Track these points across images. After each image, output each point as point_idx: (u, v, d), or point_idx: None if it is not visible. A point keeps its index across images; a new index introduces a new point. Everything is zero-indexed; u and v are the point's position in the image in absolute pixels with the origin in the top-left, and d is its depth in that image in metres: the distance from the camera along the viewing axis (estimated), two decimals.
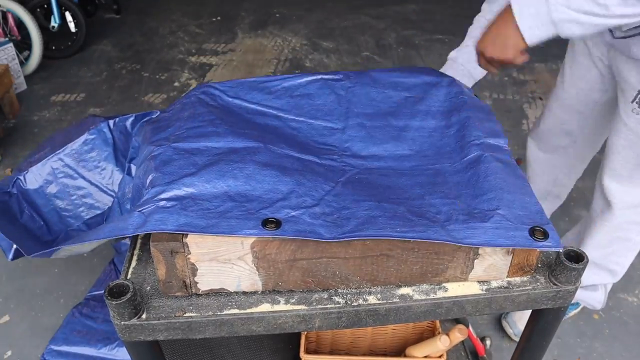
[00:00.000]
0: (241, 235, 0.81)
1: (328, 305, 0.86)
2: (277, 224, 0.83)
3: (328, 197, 0.90)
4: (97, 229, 0.94)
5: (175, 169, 0.93)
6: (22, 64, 3.71)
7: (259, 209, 0.86)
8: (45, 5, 4.05)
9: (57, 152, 1.27)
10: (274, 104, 1.17)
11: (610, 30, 1.35)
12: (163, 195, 0.87)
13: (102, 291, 1.77)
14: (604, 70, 1.52)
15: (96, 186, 1.30)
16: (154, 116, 1.28)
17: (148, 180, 0.92)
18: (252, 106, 1.16)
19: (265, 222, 0.83)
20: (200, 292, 0.87)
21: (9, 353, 1.94)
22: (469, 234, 0.84)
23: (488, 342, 1.93)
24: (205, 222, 0.82)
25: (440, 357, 1.46)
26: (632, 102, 1.36)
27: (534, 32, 1.06)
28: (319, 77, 1.22)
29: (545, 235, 0.84)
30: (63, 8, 4.01)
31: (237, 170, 0.92)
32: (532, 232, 0.85)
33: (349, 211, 0.87)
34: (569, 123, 1.71)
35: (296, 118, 1.14)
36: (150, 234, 0.82)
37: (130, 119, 1.31)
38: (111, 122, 1.31)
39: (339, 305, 0.87)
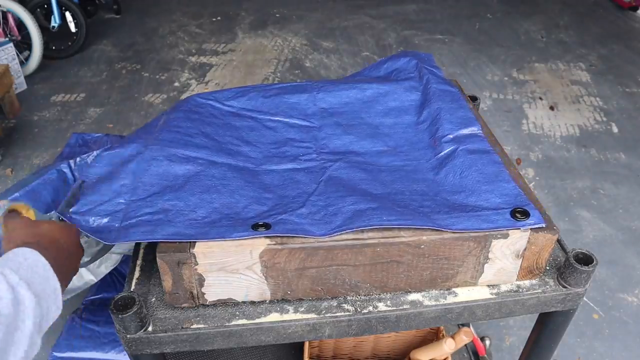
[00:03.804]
0: (232, 238, 0.80)
1: (338, 314, 0.86)
2: (267, 226, 0.83)
3: (312, 198, 0.91)
4: None
5: (156, 178, 0.93)
6: (22, 64, 3.70)
7: (247, 218, 0.86)
8: (46, 6, 4.04)
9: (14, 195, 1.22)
10: (247, 106, 1.17)
11: None
12: (147, 210, 0.87)
13: (100, 295, 1.76)
14: None
15: None
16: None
17: (128, 187, 0.92)
18: (226, 108, 1.16)
19: (255, 227, 0.83)
20: (207, 303, 0.86)
21: None
22: (454, 221, 0.84)
23: (487, 342, 1.93)
24: (194, 231, 0.82)
25: (445, 359, 1.46)
26: None
27: None
28: (290, 83, 1.25)
29: (527, 214, 0.85)
30: (63, 8, 4.00)
31: (221, 186, 0.92)
32: (514, 214, 0.85)
33: (335, 207, 0.87)
34: None
35: (272, 118, 1.14)
36: (155, 244, 0.81)
37: (93, 155, 1.28)
38: (72, 162, 1.28)
39: (349, 313, 0.86)
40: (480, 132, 1.05)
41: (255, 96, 1.19)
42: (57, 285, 0.72)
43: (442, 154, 1.02)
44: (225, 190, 0.92)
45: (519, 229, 0.84)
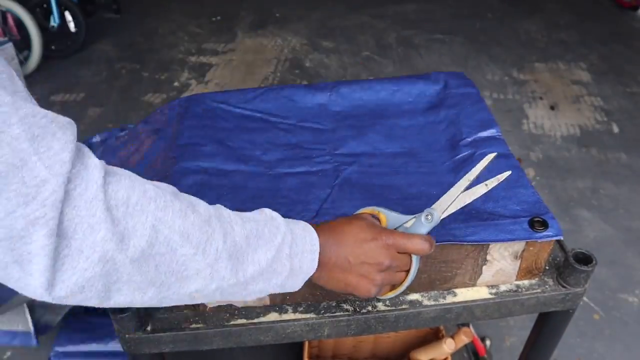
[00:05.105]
0: None
1: (337, 313, 0.85)
2: None
3: (326, 205, 0.90)
4: None
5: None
6: (21, 63, 3.69)
7: None
8: (45, 5, 4.04)
9: None
10: (258, 107, 1.15)
11: None
12: None
13: None
14: None
15: None
16: (120, 133, 1.25)
17: None
18: (237, 110, 1.14)
19: None
20: (207, 309, 0.86)
21: (8, 354, 1.93)
22: (470, 231, 0.83)
23: (488, 343, 1.93)
24: None
25: (444, 359, 1.46)
26: None
27: None
28: (302, 85, 1.23)
29: (545, 225, 0.83)
30: (62, 8, 4.00)
31: (232, 194, 0.92)
32: (532, 223, 0.84)
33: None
34: None
35: (284, 121, 1.13)
36: None
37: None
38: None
39: (347, 313, 0.85)
40: (499, 134, 1.03)
41: (267, 99, 1.17)
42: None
43: (459, 157, 0.99)
44: (238, 199, 0.90)
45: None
